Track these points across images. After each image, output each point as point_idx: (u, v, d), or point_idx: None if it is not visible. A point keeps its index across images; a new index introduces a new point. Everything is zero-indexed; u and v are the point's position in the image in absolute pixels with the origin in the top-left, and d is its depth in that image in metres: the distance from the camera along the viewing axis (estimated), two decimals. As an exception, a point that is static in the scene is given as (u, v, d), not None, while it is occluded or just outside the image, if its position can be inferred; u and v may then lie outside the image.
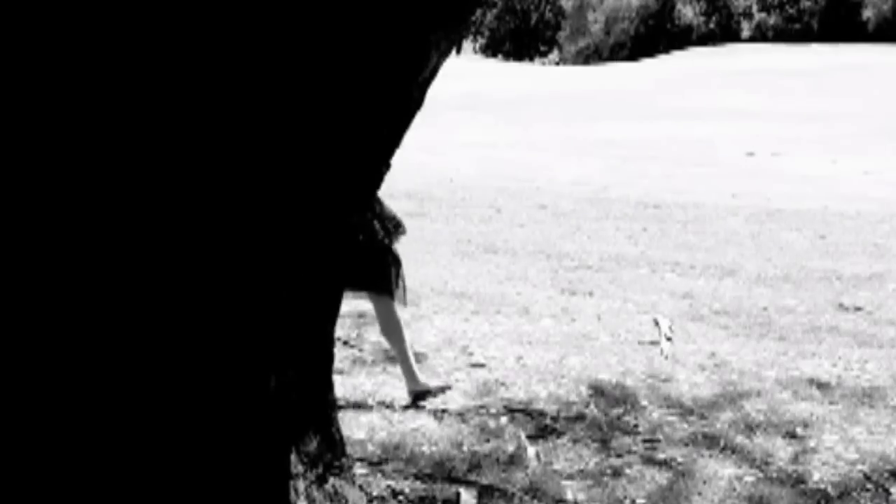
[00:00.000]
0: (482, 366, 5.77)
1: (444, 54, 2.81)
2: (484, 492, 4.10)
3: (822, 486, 4.23)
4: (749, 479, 4.29)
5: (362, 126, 2.67)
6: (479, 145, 18.72)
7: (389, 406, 5.11)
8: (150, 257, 2.43)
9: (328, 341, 3.11)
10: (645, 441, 4.69)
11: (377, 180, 2.95)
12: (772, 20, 58.02)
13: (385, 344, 6.12)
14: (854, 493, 4.17)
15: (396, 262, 5.14)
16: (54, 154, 2.34)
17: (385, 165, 2.94)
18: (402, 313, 6.89)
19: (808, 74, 37.01)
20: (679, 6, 60.56)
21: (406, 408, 5.09)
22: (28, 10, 2.25)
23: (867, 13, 54.30)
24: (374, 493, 3.98)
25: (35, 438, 2.44)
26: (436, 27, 2.65)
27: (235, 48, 2.36)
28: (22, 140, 2.32)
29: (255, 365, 2.64)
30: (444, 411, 5.02)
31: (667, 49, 55.57)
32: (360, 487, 3.40)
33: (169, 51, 2.32)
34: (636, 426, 4.88)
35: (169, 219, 2.42)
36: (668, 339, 6.39)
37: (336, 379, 3.49)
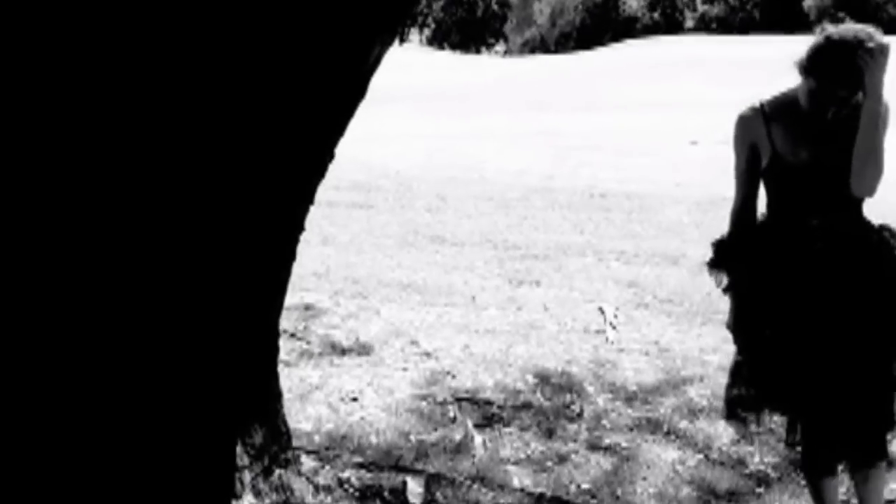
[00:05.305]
0: (429, 356, 5.79)
1: (387, 43, 2.82)
2: (431, 480, 4.12)
3: (763, 468, 4.32)
4: (691, 462, 4.37)
5: (304, 115, 2.67)
6: (424, 136, 18.71)
7: (336, 397, 5.12)
8: (88, 244, 2.41)
9: (273, 332, 3.11)
10: (589, 428, 4.75)
11: (321, 170, 2.95)
12: (715, 10, 58.65)
13: (332, 336, 6.12)
14: (793, 475, 4.26)
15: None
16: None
17: (329, 155, 2.95)
18: (349, 305, 6.92)
19: (750, 64, 37.43)
20: (623, -3, 61.03)
21: (353, 399, 5.10)
22: (19, 8, 2.23)
23: (808, 3, 55.05)
24: (321, 484, 3.99)
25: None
26: (379, 27, 2.66)
27: (179, 37, 2.35)
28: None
29: (199, 356, 2.64)
30: (390, 402, 5.04)
31: (612, 40, 55.96)
32: (307, 478, 3.42)
33: (113, 46, 2.31)
34: (581, 413, 4.93)
35: (109, 206, 2.41)
36: (614, 326, 6.46)
37: (282, 371, 3.49)
